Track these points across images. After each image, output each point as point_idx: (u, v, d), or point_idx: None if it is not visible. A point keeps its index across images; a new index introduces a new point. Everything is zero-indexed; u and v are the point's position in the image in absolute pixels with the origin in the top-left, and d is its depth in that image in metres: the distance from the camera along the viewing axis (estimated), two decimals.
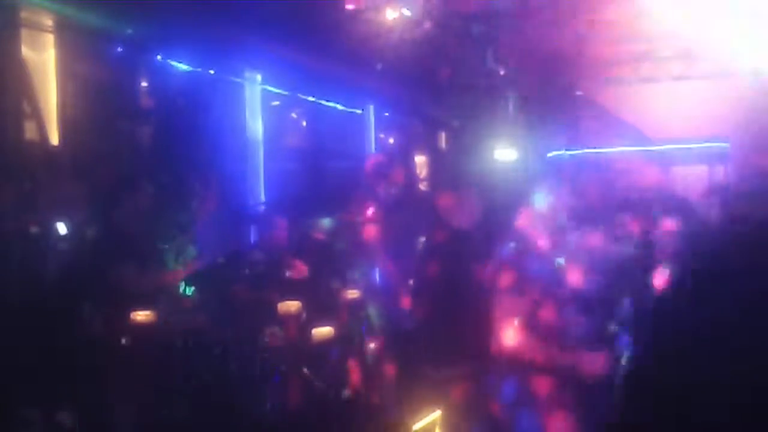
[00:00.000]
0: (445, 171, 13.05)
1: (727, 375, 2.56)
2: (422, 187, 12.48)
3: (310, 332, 6.47)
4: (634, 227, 5.58)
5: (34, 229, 5.91)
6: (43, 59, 6.56)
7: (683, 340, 3.02)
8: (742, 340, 2.81)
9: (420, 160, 13.02)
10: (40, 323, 5.26)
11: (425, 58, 10.32)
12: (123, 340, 5.60)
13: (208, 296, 6.22)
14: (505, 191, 9.00)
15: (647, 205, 5.35)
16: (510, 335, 4.08)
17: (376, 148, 11.38)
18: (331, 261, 7.15)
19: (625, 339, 4.58)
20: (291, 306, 6.36)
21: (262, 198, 8.67)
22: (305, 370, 6.46)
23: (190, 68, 7.81)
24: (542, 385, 4.14)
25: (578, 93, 13.55)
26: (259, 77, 8.90)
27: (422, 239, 7.03)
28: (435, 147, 13.57)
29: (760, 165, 8.36)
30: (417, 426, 5.24)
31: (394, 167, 7.88)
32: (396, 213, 7.63)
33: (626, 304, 4.56)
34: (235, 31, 7.59)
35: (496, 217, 6.21)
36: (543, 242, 4.94)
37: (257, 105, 8.92)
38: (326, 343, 6.62)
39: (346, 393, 6.82)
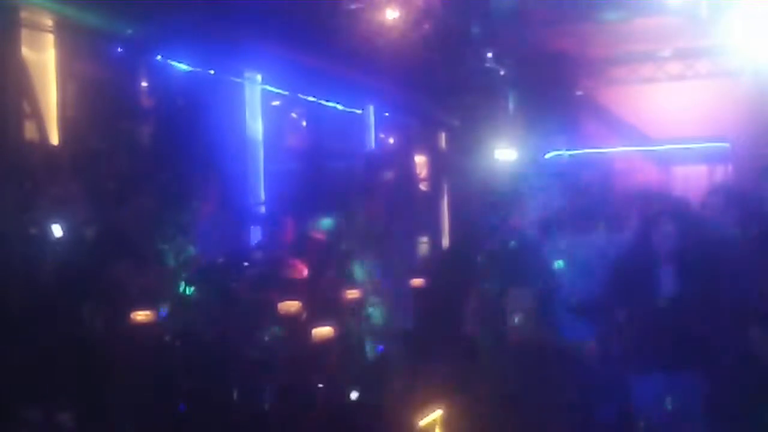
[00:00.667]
0: (445, 171, 13.05)
1: None
2: (422, 187, 12.49)
3: (310, 332, 6.47)
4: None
5: (34, 229, 5.91)
6: (43, 59, 6.56)
7: None
8: None
9: (420, 160, 13.02)
10: (40, 323, 5.26)
11: (425, 58, 10.32)
12: (123, 340, 5.60)
13: (208, 296, 6.22)
14: (504, 191, 9.00)
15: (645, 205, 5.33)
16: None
17: (375, 148, 11.37)
18: (331, 261, 7.14)
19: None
20: (291, 306, 6.36)
21: (262, 198, 8.66)
22: (305, 370, 6.46)
23: (190, 68, 7.80)
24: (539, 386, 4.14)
25: (578, 93, 13.55)
26: (259, 77, 8.89)
27: (423, 239, 7.04)
28: (435, 147, 13.56)
29: (760, 165, 8.37)
30: (422, 423, 5.25)
31: (393, 166, 7.90)
32: (396, 212, 7.64)
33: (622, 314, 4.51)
34: (235, 31, 7.58)
35: (495, 218, 6.22)
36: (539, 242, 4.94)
37: (257, 105, 8.92)
38: (326, 343, 6.61)
39: (347, 393, 6.82)
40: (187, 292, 6.27)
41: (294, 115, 10.31)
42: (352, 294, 7.15)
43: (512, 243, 4.97)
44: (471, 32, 10.75)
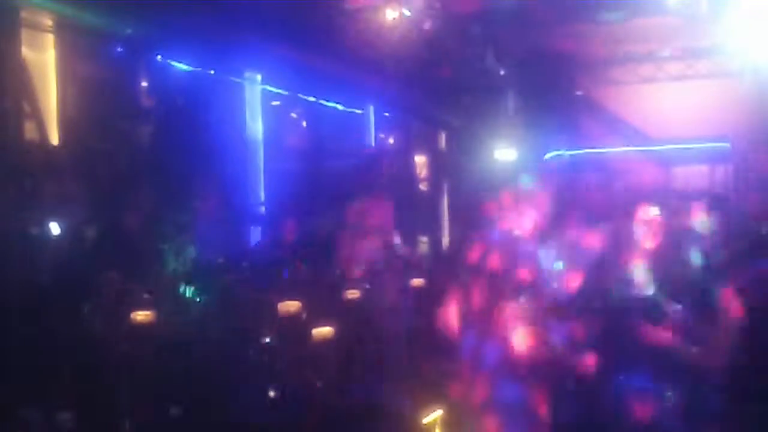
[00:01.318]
0: (445, 171, 13.06)
1: None
2: (422, 187, 12.50)
3: (310, 332, 6.47)
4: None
5: (34, 229, 5.91)
6: (43, 59, 6.56)
7: None
8: None
9: (420, 160, 13.03)
10: (40, 323, 5.26)
11: (425, 58, 10.32)
12: (122, 340, 5.60)
13: (208, 296, 6.22)
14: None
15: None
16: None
17: (375, 148, 11.38)
18: (331, 261, 7.15)
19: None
20: (291, 306, 6.36)
21: (263, 198, 8.67)
22: (305, 370, 6.46)
23: (190, 68, 7.80)
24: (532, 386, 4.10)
25: (578, 93, 13.54)
26: (259, 77, 8.90)
27: (423, 239, 7.04)
28: (435, 147, 13.57)
29: (760, 165, 8.37)
30: (426, 420, 5.25)
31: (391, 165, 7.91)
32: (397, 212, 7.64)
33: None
34: (235, 31, 7.58)
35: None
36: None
37: (257, 105, 8.93)
38: (326, 343, 6.61)
39: (347, 393, 6.82)
40: (187, 292, 6.28)
41: (294, 115, 10.32)
42: (353, 294, 7.15)
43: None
44: (471, 32, 10.75)
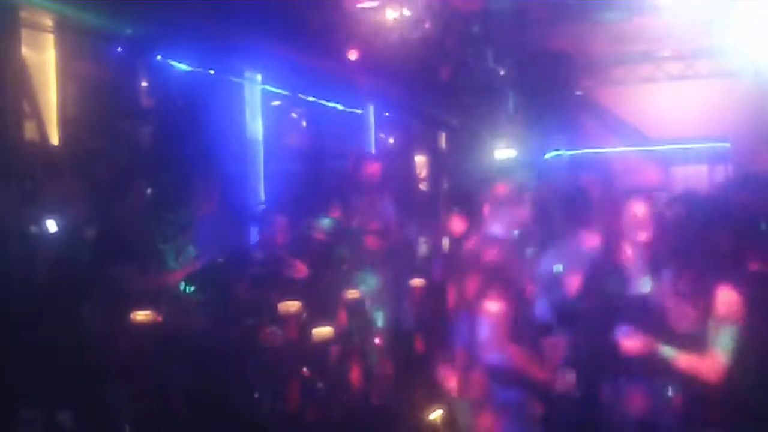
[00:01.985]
0: (445, 171, 13.06)
1: None
2: (422, 187, 12.50)
3: (310, 332, 6.47)
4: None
5: (34, 229, 5.91)
6: (43, 59, 6.56)
7: None
8: None
9: (420, 160, 13.03)
10: (40, 323, 5.26)
11: (425, 58, 10.32)
12: (123, 340, 5.60)
13: (208, 296, 6.22)
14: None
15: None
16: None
17: (376, 148, 11.38)
18: (331, 261, 7.15)
19: None
20: (291, 306, 6.36)
21: (262, 198, 8.66)
22: (305, 370, 6.46)
23: (190, 68, 7.80)
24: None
25: (578, 93, 13.55)
26: (259, 77, 8.90)
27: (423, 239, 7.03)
28: (435, 147, 13.57)
29: (760, 165, 8.37)
30: (432, 416, 5.26)
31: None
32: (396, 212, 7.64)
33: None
34: (235, 31, 7.58)
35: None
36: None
37: (257, 105, 8.92)
38: (326, 343, 6.61)
39: (347, 393, 6.82)
40: (187, 292, 6.27)
41: (294, 115, 10.32)
42: (353, 294, 7.15)
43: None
44: (471, 32, 10.75)
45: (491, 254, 4.06)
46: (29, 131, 6.29)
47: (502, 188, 4.44)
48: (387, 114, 11.82)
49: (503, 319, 3.85)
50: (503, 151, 12.10)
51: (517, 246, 4.27)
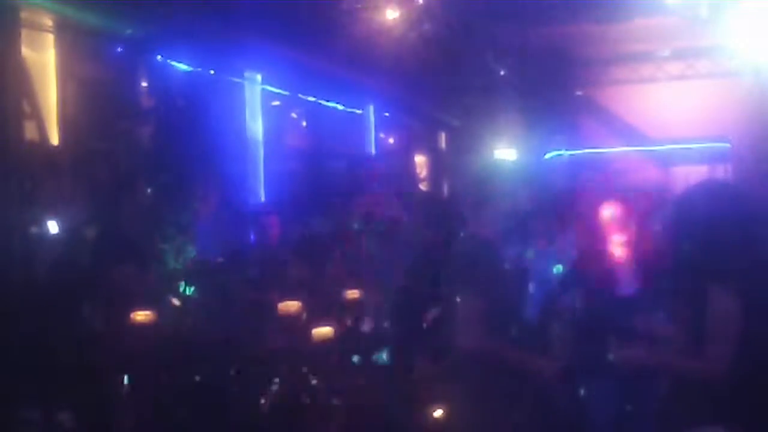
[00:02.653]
0: (445, 171, 13.06)
1: None
2: (422, 187, 12.50)
3: (310, 332, 6.46)
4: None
5: (34, 229, 5.91)
6: (43, 59, 6.57)
7: None
8: None
9: (420, 160, 13.04)
10: (40, 323, 5.26)
11: (425, 58, 10.32)
12: (122, 340, 5.60)
13: (208, 296, 6.22)
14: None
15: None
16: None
17: (376, 148, 11.39)
18: (331, 261, 7.15)
19: None
20: (291, 306, 6.35)
21: (262, 198, 8.67)
22: (305, 370, 6.46)
23: (190, 68, 7.81)
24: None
25: (578, 93, 13.56)
26: (259, 77, 8.90)
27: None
28: (435, 147, 13.58)
29: (760, 165, 8.36)
30: (426, 418, 5.26)
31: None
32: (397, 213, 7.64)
33: None
34: (235, 31, 7.59)
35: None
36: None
37: (257, 105, 8.93)
38: (326, 343, 6.61)
39: (347, 393, 6.81)
40: (187, 292, 6.28)
41: (294, 115, 10.32)
42: (353, 294, 7.15)
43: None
44: (471, 32, 10.75)
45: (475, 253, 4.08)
46: (29, 131, 6.29)
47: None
48: (387, 114, 11.82)
49: (489, 312, 3.86)
50: (503, 151, 12.10)
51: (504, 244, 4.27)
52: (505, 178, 4.17)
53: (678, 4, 9.67)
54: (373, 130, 11.53)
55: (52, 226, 6.00)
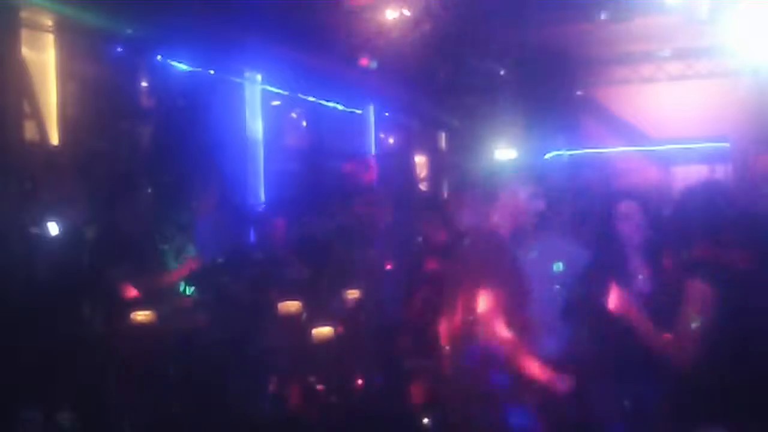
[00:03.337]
0: (445, 171, 13.06)
1: None
2: (422, 187, 12.50)
3: (310, 332, 6.46)
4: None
5: (34, 229, 5.91)
6: (43, 59, 6.57)
7: None
8: None
9: (420, 160, 13.03)
10: (40, 323, 5.26)
11: (425, 58, 10.32)
12: (123, 341, 5.60)
13: (208, 296, 6.22)
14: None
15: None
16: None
17: (376, 148, 11.39)
18: (331, 261, 7.14)
19: None
20: (291, 306, 6.35)
21: (262, 198, 8.66)
22: (305, 370, 6.46)
23: (190, 68, 7.81)
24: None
25: (578, 93, 13.56)
26: (259, 77, 8.90)
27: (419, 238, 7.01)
28: (435, 147, 13.58)
29: (760, 165, 8.36)
30: (422, 420, 5.27)
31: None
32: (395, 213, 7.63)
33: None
34: (235, 31, 7.59)
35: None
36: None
37: (257, 105, 8.93)
38: (326, 343, 6.61)
39: (346, 393, 6.81)
40: (187, 292, 6.28)
41: (294, 115, 10.32)
42: (353, 294, 7.14)
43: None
44: (471, 32, 10.75)
45: (484, 251, 4.09)
46: (29, 131, 6.29)
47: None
48: (387, 114, 11.83)
49: (497, 310, 3.88)
50: (503, 151, 12.10)
51: (511, 242, 4.28)
52: (521, 177, 4.20)
53: (678, 4, 9.66)
54: (373, 130, 11.54)
55: (52, 226, 5.99)
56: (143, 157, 7.17)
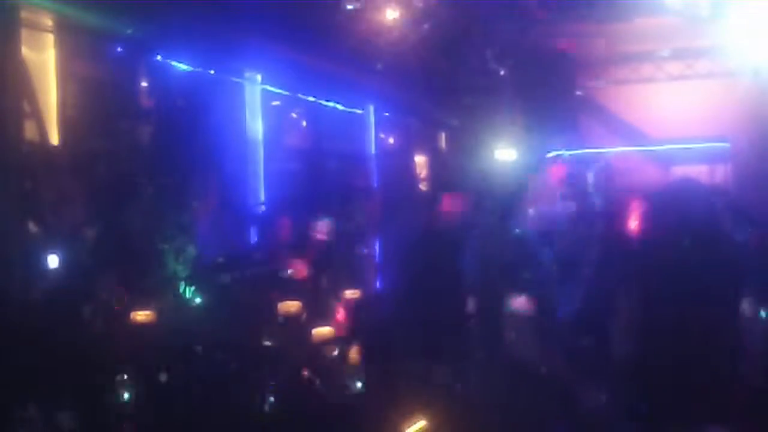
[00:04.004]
0: (445, 171, 13.05)
1: None
2: (422, 187, 12.50)
3: (310, 332, 6.47)
4: None
5: (34, 229, 5.90)
6: (43, 59, 6.56)
7: None
8: None
9: (420, 160, 13.03)
10: (40, 323, 5.26)
11: (425, 58, 10.32)
12: (123, 341, 5.60)
13: (208, 296, 6.22)
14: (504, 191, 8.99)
15: None
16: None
17: (376, 148, 11.39)
18: (331, 261, 7.15)
19: None
20: (291, 306, 6.36)
21: (262, 198, 8.66)
22: (305, 370, 6.46)
23: (190, 68, 7.80)
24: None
25: (578, 93, 13.55)
26: (259, 77, 8.89)
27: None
28: (435, 147, 13.57)
29: (760, 165, 8.38)
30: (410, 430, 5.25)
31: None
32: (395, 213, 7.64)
33: None
34: (235, 31, 7.58)
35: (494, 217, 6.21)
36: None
37: (257, 105, 8.92)
38: (326, 343, 6.61)
39: (346, 393, 6.81)
40: (187, 292, 6.28)
41: (294, 115, 10.32)
42: (353, 294, 7.15)
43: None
44: (471, 32, 10.75)
45: None
46: (29, 131, 6.29)
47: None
48: (387, 114, 11.82)
49: None
50: (503, 151, 12.09)
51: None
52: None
53: (678, 4, 9.67)
54: (373, 130, 11.53)
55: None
56: (143, 158, 7.16)
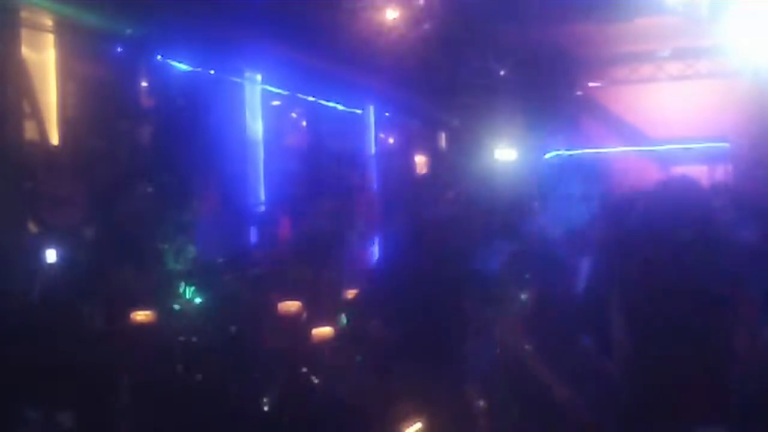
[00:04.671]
0: (445, 171, 13.06)
1: None
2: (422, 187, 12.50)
3: (310, 332, 6.47)
4: None
5: (34, 229, 5.91)
6: (43, 59, 6.56)
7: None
8: None
9: (420, 160, 13.04)
10: (40, 323, 5.26)
11: (425, 58, 10.32)
12: (123, 341, 5.60)
13: (208, 296, 6.22)
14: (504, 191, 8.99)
15: None
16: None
17: (376, 148, 11.39)
18: (331, 260, 7.14)
19: None
20: (291, 306, 6.36)
21: (262, 198, 8.66)
22: (305, 370, 6.46)
23: (190, 68, 7.80)
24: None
25: (578, 93, 13.56)
26: (259, 77, 8.90)
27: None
28: (435, 147, 13.58)
29: (760, 165, 8.38)
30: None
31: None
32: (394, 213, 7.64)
33: None
34: (235, 31, 7.59)
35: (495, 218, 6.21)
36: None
37: (257, 105, 8.93)
38: (326, 343, 6.61)
39: (345, 394, 6.81)
40: (188, 292, 6.27)
41: (294, 115, 10.32)
42: (353, 294, 7.14)
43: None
44: (471, 32, 10.75)
45: None
46: (29, 131, 6.29)
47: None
48: (387, 114, 11.82)
49: None
50: (503, 151, 12.10)
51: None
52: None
53: (678, 4, 9.67)
54: (373, 130, 11.53)
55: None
56: (143, 157, 7.16)
